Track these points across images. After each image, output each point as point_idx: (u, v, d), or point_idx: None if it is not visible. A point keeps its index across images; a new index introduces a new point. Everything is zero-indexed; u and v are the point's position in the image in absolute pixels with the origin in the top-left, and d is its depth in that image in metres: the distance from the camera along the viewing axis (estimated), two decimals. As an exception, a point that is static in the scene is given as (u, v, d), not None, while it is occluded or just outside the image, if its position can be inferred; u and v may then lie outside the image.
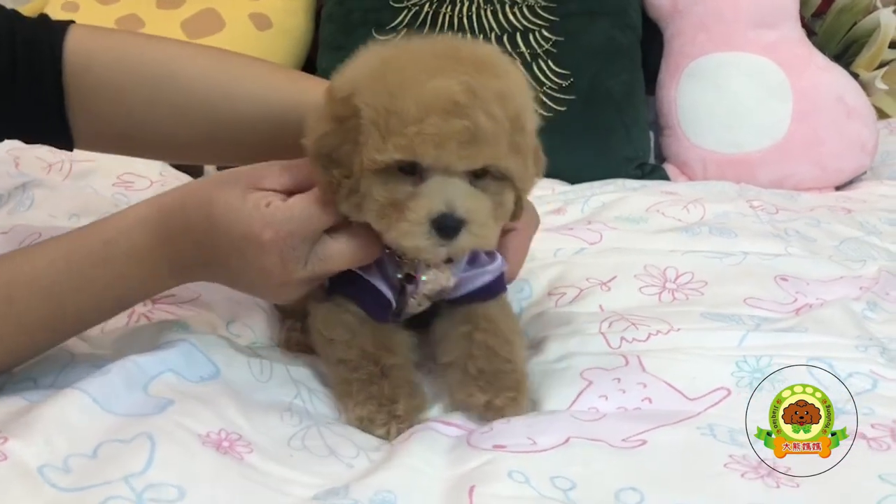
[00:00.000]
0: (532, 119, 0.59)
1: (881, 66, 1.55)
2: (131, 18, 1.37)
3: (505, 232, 0.66)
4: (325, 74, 1.35)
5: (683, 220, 1.05)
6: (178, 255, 0.60)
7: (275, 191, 0.59)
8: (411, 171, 0.56)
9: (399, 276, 0.63)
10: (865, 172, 1.37)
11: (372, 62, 0.58)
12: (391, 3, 1.34)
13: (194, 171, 1.21)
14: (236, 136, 0.71)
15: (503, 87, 0.56)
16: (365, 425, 0.60)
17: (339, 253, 0.59)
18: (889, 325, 0.76)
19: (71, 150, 0.74)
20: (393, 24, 1.34)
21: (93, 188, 1.09)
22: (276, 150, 0.66)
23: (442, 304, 0.67)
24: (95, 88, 0.70)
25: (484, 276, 0.66)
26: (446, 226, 0.55)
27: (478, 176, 0.57)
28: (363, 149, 0.55)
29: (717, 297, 0.81)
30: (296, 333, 0.74)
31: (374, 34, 1.33)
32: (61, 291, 0.59)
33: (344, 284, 0.63)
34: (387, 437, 0.60)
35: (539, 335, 0.75)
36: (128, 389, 0.57)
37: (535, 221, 0.74)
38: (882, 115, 1.56)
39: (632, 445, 0.56)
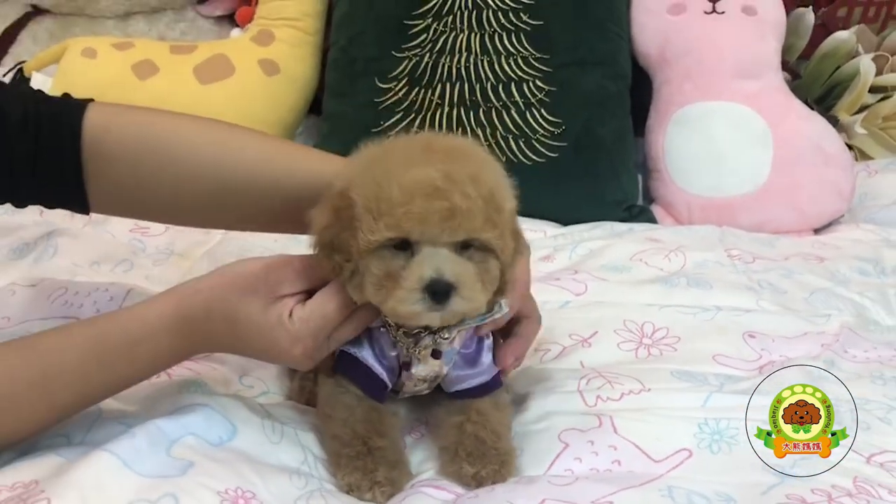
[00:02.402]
0: (508, 199, 0.67)
1: (862, 109, 1.62)
2: (146, 64, 1.44)
3: None
4: (331, 118, 1.45)
5: (664, 269, 1.12)
6: (202, 349, 0.70)
7: (294, 294, 0.66)
8: (403, 248, 0.64)
9: (393, 354, 0.71)
10: (843, 215, 1.44)
11: (362, 160, 0.67)
12: (393, 52, 1.41)
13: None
14: (234, 201, 0.78)
15: (475, 171, 0.64)
16: (353, 491, 0.68)
17: (347, 333, 0.68)
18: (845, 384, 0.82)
19: (87, 214, 0.81)
20: (394, 73, 1.41)
21: (111, 234, 1.17)
22: (269, 215, 0.76)
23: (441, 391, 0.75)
24: (109, 159, 0.76)
25: (480, 376, 0.73)
26: (438, 290, 0.62)
27: (463, 248, 0.65)
28: (359, 233, 0.63)
29: (689, 353, 0.88)
30: (308, 384, 0.81)
31: (377, 82, 1.41)
32: (90, 382, 0.67)
33: (345, 365, 0.71)
34: (373, 501, 0.67)
35: (522, 391, 0.82)
36: (152, 452, 0.64)
37: (538, 321, 0.80)
38: (864, 156, 1.63)
39: (599, 507, 0.63)
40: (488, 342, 0.74)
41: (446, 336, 0.70)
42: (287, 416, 0.75)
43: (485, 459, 0.69)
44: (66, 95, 0.81)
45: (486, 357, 0.74)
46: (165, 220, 0.90)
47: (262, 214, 0.78)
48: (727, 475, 0.68)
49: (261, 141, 0.80)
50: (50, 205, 0.81)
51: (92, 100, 0.80)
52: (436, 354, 0.71)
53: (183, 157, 0.77)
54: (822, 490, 0.64)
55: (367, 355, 0.71)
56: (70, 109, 0.77)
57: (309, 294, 0.68)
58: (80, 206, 0.79)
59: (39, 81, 1.44)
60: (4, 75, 1.48)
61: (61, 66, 1.43)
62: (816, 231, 1.41)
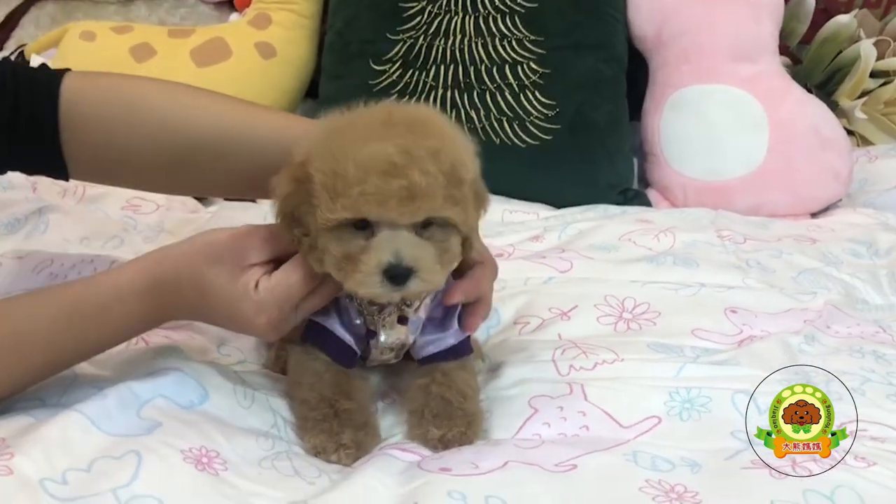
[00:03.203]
0: (470, 169, 0.66)
1: (863, 95, 1.61)
2: (144, 47, 1.45)
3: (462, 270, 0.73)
4: (326, 101, 1.45)
5: (653, 248, 1.11)
6: (172, 316, 0.70)
7: (261, 263, 0.67)
8: (363, 227, 0.63)
9: (358, 322, 0.71)
10: (841, 200, 1.43)
11: (323, 130, 0.66)
12: (388, 35, 1.42)
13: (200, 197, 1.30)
14: (197, 160, 0.79)
15: (436, 145, 0.62)
16: (318, 452, 0.68)
17: (312, 305, 0.69)
18: (822, 357, 0.82)
19: (67, 180, 0.83)
20: (389, 56, 1.41)
21: (104, 212, 1.18)
22: (233, 177, 0.79)
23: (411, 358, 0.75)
24: (84, 122, 0.78)
25: (447, 339, 0.73)
26: (396, 274, 0.62)
27: (424, 226, 0.64)
28: (317, 210, 0.63)
29: (668, 327, 0.88)
30: (284, 353, 0.81)
31: (372, 64, 1.41)
32: (62, 344, 0.68)
33: (314, 335, 0.71)
34: (339, 462, 0.67)
35: (498, 360, 0.82)
36: (122, 412, 0.65)
37: (493, 266, 0.79)
38: (865, 142, 1.62)
39: (563, 469, 0.63)
40: (457, 309, 0.74)
41: (409, 303, 0.71)
42: (259, 383, 0.76)
43: (451, 421, 0.69)
44: (43, 66, 0.82)
45: (454, 321, 0.74)
46: (136, 185, 0.90)
47: (226, 176, 0.80)
48: (694, 441, 0.68)
49: (223, 102, 0.81)
50: (29, 171, 0.83)
51: (68, 69, 0.81)
52: (402, 320, 0.71)
53: (147, 117, 0.78)
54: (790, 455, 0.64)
55: (334, 324, 0.71)
56: (47, 76, 0.79)
57: (277, 263, 0.68)
58: (59, 171, 0.80)
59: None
60: (6, 58, 1.49)
61: (61, 48, 1.45)
62: (814, 215, 1.40)
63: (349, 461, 0.67)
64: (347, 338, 0.71)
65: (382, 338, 0.71)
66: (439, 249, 0.64)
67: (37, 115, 0.77)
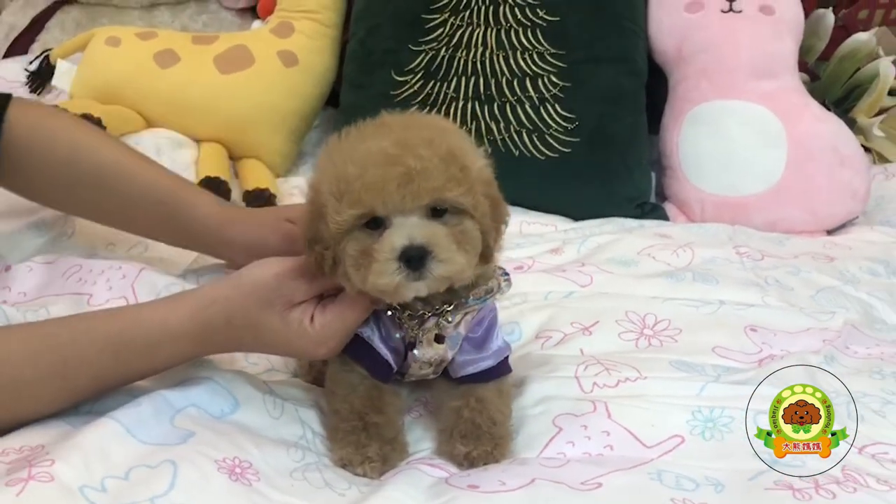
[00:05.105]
0: (475, 160, 0.67)
1: (881, 112, 1.61)
2: (168, 53, 1.47)
3: None
4: (347, 110, 1.47)
5: (672, 264, 1.12)
6: (222, 351, 0.75)
7: (309, 300, 0.69)
8: (376, 227, 0.64)
9: (398, 336, 0.72)
10: (858, 217, 1.44)
11: (326, 151, 0.68)
12: (410, 46, 1.43)
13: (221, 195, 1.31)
14: (86, 194, 0.95)
15: (429, 135, 0.64)
16: (345, 464, 0.69)
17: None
18: (843, 379, 0.82)
19: None
20: (411, 66, 1.42)
21: (129, 217, 1.19)
22: (120, 214, 0.96)
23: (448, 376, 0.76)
24: (33, 165, 0.93)
25: (485, 361, 0.74)
26: (411, 256, 0.62)
27: (437, 215, 0.65)
28: (328, 218, 0.64)
29: (689, 345, 0.88)
30: (317, 363, 0.82)
31: (393, 75, 1.43)
32: (107, 376, 0.70)
33: (353, 347, 0.72)
34: (364, 475, 0.68)
35: (521, 374, 0.83)
36: (156, 420, 0.67)
37: None
38: (882, 159, 1.63)
39: (589, 488, 0.64)
40: (498, 328, 0.75)
41: (450, 320, 0.71)
42: (288, 394, 0.77)
43: (478, 441, 0.70)
44: None
45: (495, 342, 0.74)
46: (37, 199, 1.02)
47: (114, 212, 0.96)
48: (718, 461, 0.69)
49: (113, 147, 0.96)
50: None
51: (10, 95, 0.93)
52: (439, 339, 0.72)
53: (39, 149, 0.93)
54: (811, 477, 0.64)
55: (373, 338, 0.72)
56: None
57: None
58: None
59: (65, 69, 1.48)
60: (31, 62, 1.51)
61: (86, 54, 1.46)
62: (830, 232, 1.41)
63: (374, 474, 0.68)
64: (385, 352, 0.72)
65: (418, 352, 0.72)
66: (454, 231, 0.64)
67: None
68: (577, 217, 1.36)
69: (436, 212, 0.64)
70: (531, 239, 1.24)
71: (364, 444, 0.69)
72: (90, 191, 0.94)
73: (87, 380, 0.69)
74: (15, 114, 0.92)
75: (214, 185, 1.31)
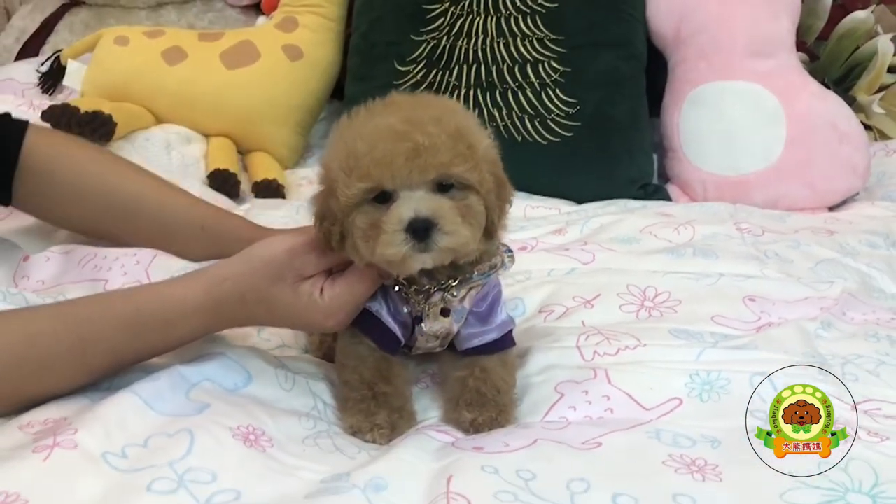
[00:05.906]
0: (481, 139, 0.69)
1: (880, 90, 1.62)
2: (175, 50, 1.50)
3: None
4: (353, 101, 1.48)
5: (673, 241, 1.14)
6: (235, 326, 0.78)
7: (319, 273, 0.72)
8: (384, 201, 0.67)
9: (405, 310, 0.74)
10: (859, 193, 1.45)
11: (336, 132, 0.71)
12: (412, 36, 1.46)
13: (231, 194, 1.35)
14: (116, 223, 1.00)
15: (437, 113, 0.67)
16: (354, 431, 0.72)
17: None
18: (837, 342, 0.85)
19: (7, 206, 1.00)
20: (413, 57, 1.45)
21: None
22: (148, 239, 0.99)
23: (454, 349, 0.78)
24: (55, 191, 0.97)
25: (490, 333, 0.76)
26: (418, 227, 0.65)
27: (442, 190, 0.67)
28: (339, 193, 0.67)
29: (688, 314, 0.91)
30: (328, 338, 0.85)
31: (396, 65, 1.45)
32: (124, 353, 0.73)
33: (362, 321, 0.75)
34: (374, 441, 0.71)
35: (524, 346, 0.85)
36: (173, 394, 0.69)
37: None
38: (883, 136, 1.64)
39: (589, 447, 0.66)
40: (502, 303, 0.77)
41: (455, 294, 0.74)
42: (300, 368, 0.80)
43: (483, 408, 0.73)
44: (6, 113, 0.97)
45: (499, 316, 0.77)
46: (66, 227, 1.08)
47: (152, 239, 0.99)
48: (715, 420, 0.71)
49: (143, 175, 1.01)
50: None
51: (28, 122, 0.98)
52: (445, 312, 0.75)
53: (64, 177, 0.97)
54: (805, 432, 0.66)
55: (382, 311, 0.75)
56: (12, 125, 0.96)
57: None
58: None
59: (75, 68, 1.51)
60: (43, 63, 1.55)
61: (96, 53, 1.50)
62: (831, 209, 1.43)
63: (383, 441, 0.71)
64: (393, 325, 0.74)
65: (424, 325, 0.74)
66: (460, 205, 0.67)
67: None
68: (580, 200, 1.38)
69: (442, 187, 0.67)
70: (535, 222, 1.26)
71: (373, 413, 0.72)
72: (124, 218, 0.99)
73: (105, 357, 0.72)
74: (34, 140, 0.96)
75: (224, 178, 1.35)
